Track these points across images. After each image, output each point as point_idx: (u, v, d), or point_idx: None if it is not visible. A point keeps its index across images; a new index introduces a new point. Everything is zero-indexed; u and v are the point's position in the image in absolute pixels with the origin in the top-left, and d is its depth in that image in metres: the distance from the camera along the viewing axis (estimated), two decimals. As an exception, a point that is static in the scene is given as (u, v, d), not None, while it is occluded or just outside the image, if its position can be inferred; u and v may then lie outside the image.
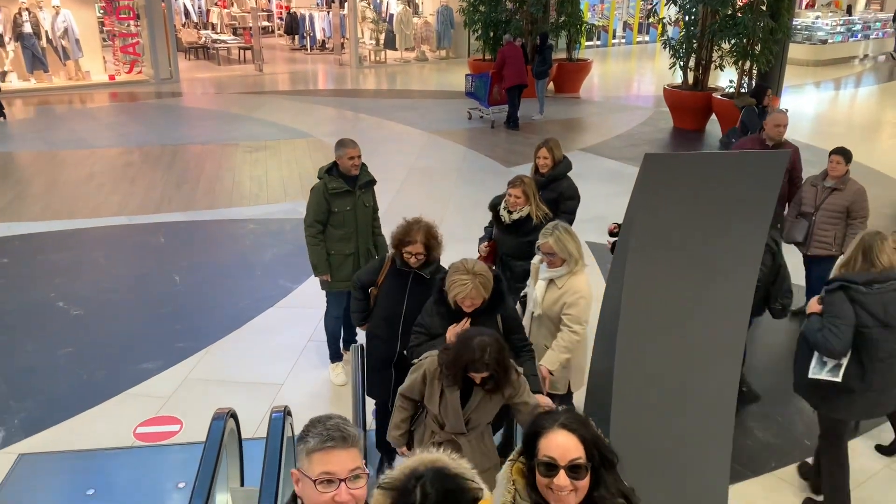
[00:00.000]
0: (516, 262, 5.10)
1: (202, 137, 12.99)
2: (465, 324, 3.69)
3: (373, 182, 5.43)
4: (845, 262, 4.05)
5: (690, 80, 13.97)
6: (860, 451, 4.89)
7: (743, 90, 12.72)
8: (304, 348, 6.03)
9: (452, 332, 3.66)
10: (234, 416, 3.92)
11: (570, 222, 5.59)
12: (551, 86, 16.62)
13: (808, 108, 16.67)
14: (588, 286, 4.28)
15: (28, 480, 4.57)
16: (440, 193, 9.92)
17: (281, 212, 9.18)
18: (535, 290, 4.37)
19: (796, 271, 6.38)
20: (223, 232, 8.67)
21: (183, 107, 15.76)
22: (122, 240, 8.40)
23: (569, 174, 5.78)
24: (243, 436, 4.27)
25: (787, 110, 8.31)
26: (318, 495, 1.95)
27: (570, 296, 4.21)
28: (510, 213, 5.06)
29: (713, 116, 13.56)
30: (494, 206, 5.31)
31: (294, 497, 2.06)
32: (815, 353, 3.98)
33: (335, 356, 5.64)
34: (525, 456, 2.06)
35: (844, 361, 3.89)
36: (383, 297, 4.34)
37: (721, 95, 13.08)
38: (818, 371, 3.96)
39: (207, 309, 6.72)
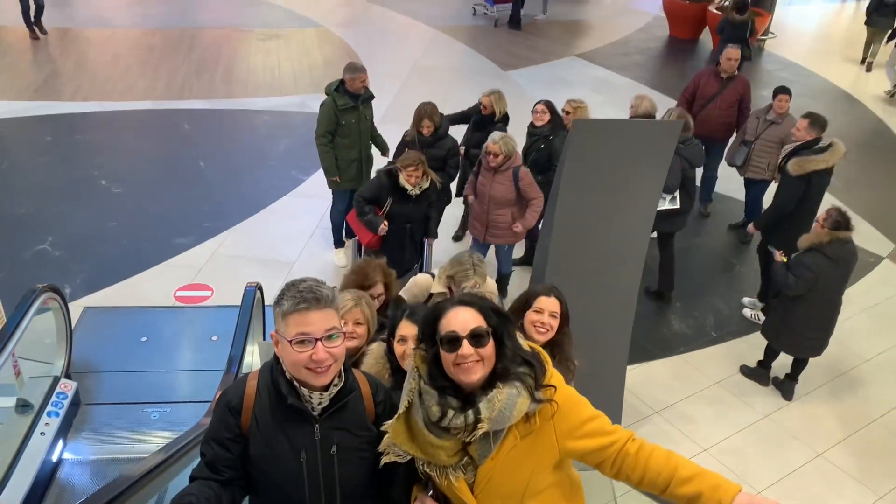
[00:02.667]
0: (417, 225, 5.59)
1: (218, 21, 13.60)
2: None
3: (371, 97, 6.35)
4: None
5: (690, -10, 14.40)
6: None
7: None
8: (313, 234, 7.17)
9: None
10: (260, 288, 5.11)
11: (455, 176, 6.39)
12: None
13: (808, 23, 17.07)
14: None
15: (94, 328, 5.80)
16: (438, 94, 10.70)
17: (292, 104, 10.07)
18: None
19: (739, 191, 7.50)
20: (241, 121, 9.61)
21: (197, -16, 16.17)
22: (151, 124, 9.37)
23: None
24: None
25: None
26: (296, 355, 1.99)
27: None
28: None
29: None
30: (395, 180, 5.37)
31: (276, 358, 2.13)
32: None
33: (338, 243, 6.80)
34: (426, 343, 2.07)
35: (677, 194, 5.99)
36: None
37: (715, 8, 13.60)
38: (662, 205, 5.81)
39: (230, 193, 7.80)
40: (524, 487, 2.04)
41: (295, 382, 2.06)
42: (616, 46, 13.80)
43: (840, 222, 4.99)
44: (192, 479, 2.12)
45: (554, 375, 2.08)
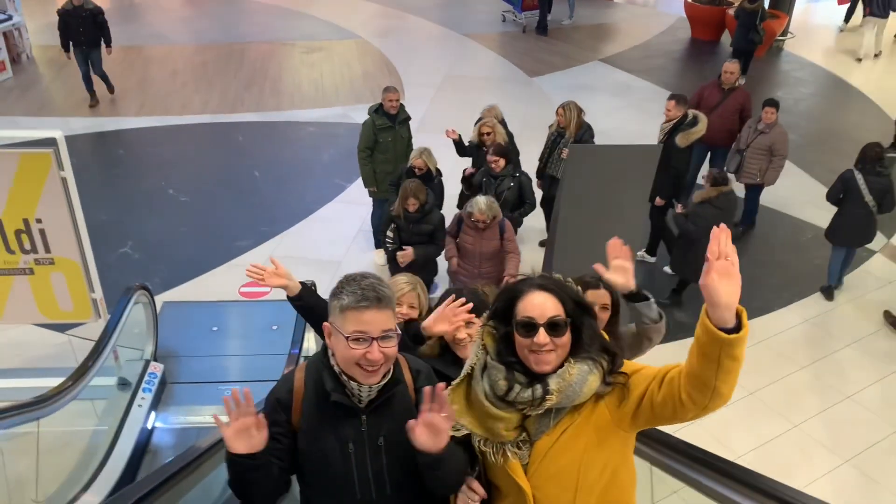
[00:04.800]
0: None
1: (264, 35, 14.60)
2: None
3: (408, 119, 7.23)
4: None
5: (711, -8, 14.99)
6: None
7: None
8: (356, 236, 8.11)
9: None
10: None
11: (443, 248, 6.27)
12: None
13: (831, 21, 17.37)
14: None
15: (174, 319, 6.81)
16: (469, 104, 11.54)
17: (335, 116, 11.02)
18: None
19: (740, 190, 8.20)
20: (289, 133, 10.60)
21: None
22: (209, 137, 10.41)
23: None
24: (317, 298, 6.45)
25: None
26: (350, 351, 1.99)
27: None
28: None
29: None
30: None
31: (324, 350, 2.16)
32: None
33: (378, 244, 7.72)
34: (498, 321, 2.05)
35: None
36: None
37: (733, 11, 14.16)
38: None
39: (282, 201, 8.78)
40: (577, 465, 2.00)
41: (343, 377, 2.09)
42: (638, 50, 14.47)
43: (718, 179, 6.45)
44: None
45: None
